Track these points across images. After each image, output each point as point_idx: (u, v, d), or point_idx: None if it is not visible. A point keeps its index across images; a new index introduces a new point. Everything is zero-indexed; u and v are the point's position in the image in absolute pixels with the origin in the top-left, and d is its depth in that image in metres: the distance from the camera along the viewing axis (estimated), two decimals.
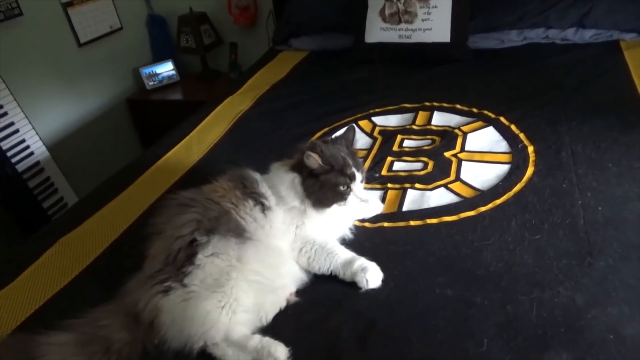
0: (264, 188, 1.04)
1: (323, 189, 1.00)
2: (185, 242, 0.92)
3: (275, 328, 0.89)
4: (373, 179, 1.30)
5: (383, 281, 0.95)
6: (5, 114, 2.04)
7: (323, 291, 0.97)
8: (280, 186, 1.03)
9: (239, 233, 0.96)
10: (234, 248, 0.93)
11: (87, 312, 0.89)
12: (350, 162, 1.01)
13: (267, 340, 0.85)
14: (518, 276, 0.92)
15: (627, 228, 1.00)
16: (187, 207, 0.98)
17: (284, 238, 1.02)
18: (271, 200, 1.03)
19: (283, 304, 0.93)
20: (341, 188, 1.00)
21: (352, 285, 0.96)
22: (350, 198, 1.02)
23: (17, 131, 2.09)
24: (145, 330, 0.86)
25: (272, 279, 0.94)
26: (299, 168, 1.02)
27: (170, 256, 0.91)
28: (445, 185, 1.23)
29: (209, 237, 0.93)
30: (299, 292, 0.96)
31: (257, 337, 0.86)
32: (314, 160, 0.99)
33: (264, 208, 1.01)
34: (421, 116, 1.59)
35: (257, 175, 1.07)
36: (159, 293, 0.88)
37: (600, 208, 1.06)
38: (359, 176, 1.02)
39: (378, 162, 1.37)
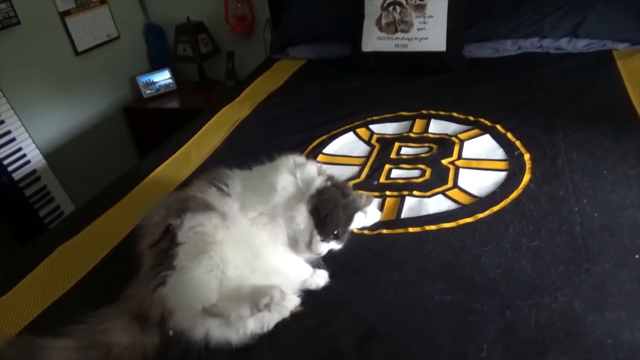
0: (231, 180, 1.06)
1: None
2: (161, 230, 0.95)
3: (275, 334, 0.89)
4: (371, 186, 1.31)
5: (383, 287, 0.96)
6: (2, 122, 2.05)
7: (323, 296, 0.97)
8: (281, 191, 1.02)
9: (210, 207, 0.98)
10: (211, 215, 0.96)
11: (88, 316, 0.89)
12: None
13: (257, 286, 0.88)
14: (516, 282, 0.93)
15: (623, 234, 1.01)
16: (159, 203, 1.01)
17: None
18: (234, 189, 1.04)
19: (287, 314, 0.92)
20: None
21: (352, 290, 0.97)
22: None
23: (13, 140, 2.09)
24: (158, 325, 0.87)
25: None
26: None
27: (154, 248, 0.94)
28: (443, 193, 1.24)
29: (180, 217, 0.95)
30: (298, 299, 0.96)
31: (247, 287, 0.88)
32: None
33: (224, 194, 1.04)
34: (418, 124, 1.61)
35: (230, 171, 1.10)
36: (159, 285, 0.89)
37: (596, 215, 1.07)
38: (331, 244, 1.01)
39: (376, 170, 1.38)
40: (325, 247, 0.99)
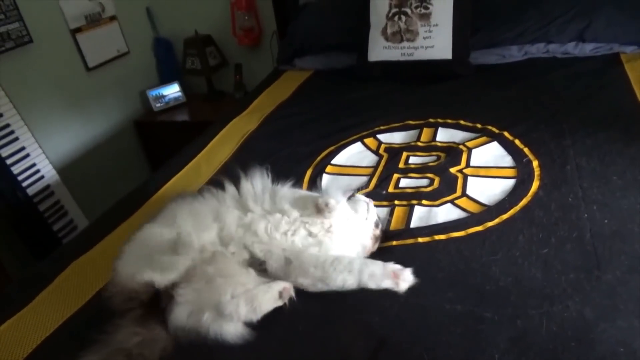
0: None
1: None
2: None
3: (285, 345, 0.90)
4: (380, 196, 1.32)
5: (394, 297, 0.96)
6: (17, 139, 2.09)
7: (333, 307, 0.97)
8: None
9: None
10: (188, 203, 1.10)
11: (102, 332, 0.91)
12: None
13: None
14: (527, 291, 0.93)
15: (634, 240, 1.01)
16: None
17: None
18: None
19: (277, 297, 0.93)
20: None
21: (362, 300, 0.97)
22: None
23: (27, 155, 2.13)
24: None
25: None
26: None
27: None
28: (452, 201, 1.25)
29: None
30: (308, 309, 0.97)
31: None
32: None
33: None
34: (426, 133, 1.62)
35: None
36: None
37: (606, 221, 1.07)
38: None
39: (385, 179, 1.39)
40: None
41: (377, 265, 0.98)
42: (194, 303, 0.91)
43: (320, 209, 1.03)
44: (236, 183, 1.16)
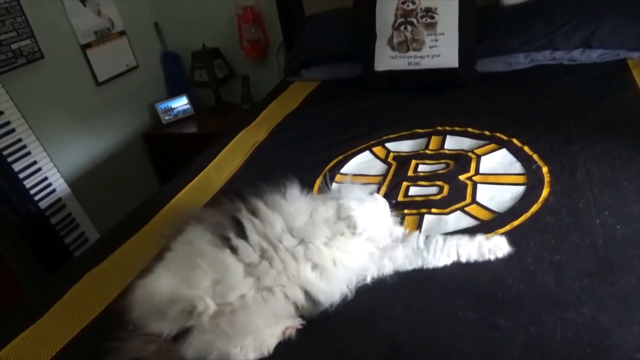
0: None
1: None
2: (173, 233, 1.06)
3: (299, 355, 0.90)
4: (389, 205, 1.31)
5: (406, 305, 0.96)
6: (29, 153, 2.12)
7: (346, 316, 0.97)
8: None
9: (217, 230, 1.03)
10: (205, 239, 1.00)
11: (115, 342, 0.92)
12: None
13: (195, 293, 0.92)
14: (540, 297, 0.92)
15: None
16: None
17: None
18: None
19: (280, 335, 0.93)
20: None
21: (375, 308, 0.97)
22: None
23: (39, 169, 2.15)
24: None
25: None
26: None
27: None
28: (462, 209, 1.25)
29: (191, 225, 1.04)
30: (321, 318, 0.97)
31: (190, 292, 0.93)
32: None
33: None
34: (434, 141, 1.62)
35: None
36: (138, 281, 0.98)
37: (618, 227, 1.06)
38: None
39: (394, 188, 1.39)
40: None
41: (473, 244, 1.04)
42: (206, 344, 0.90)
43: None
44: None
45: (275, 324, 0.93)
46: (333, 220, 1.06)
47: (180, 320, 0.89)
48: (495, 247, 1.03)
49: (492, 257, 1.03)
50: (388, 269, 1.05)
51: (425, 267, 1.04)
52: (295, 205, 1.08)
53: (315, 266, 1.00)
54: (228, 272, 0.95)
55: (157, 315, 0.91)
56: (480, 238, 1.06)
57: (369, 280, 1.03)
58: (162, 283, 0.95)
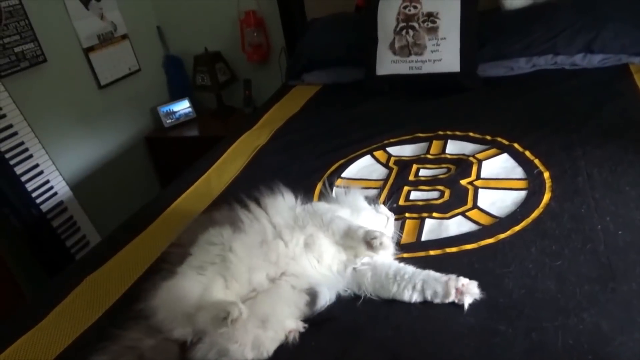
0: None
1: None
2: (187, 244, 1.03)
3: (297, 359, 0.90)
4: (390, 209, 1.31)
5: (406, 311, 0.96)
6: (31, 156, 2.12)
7: (345, 322, 0.97)
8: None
9: (234, 223, 1.04)
10: (227, 235, 1.01)
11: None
12: None
13: (228, 299, 0.89)
14: (541, 303, 0.92)
15: None
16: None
17: None
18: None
19: (282, 338, 0.93)
20: None
21: (374, 314, 0.97)
22: None
23: (41, 172, 2.16)
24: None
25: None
26: None
27: (176, 259, 1.01)
28: (463, 214, 1.24)
29: (213, 227, 1.03)
30: (320, 325, 0.97)
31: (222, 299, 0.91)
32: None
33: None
34: (435, 145, 1.62)
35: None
36: (156, 289, 0.95)
37: (620, 232, 1.06)
38: None
39: (395, 192, 1.39)
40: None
41: (440, 283, 0.96)
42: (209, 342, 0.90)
43: (372, 246, 1.00)
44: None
45: (275, 333, 0.93)
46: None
47: (211, 327, 0.86)
48: (464, 288, 0.94)
49: (459, 301, 0.94)
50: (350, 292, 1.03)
51: (392, 298, 0.99)
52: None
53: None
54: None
55: (184, 320, 0.89)
56: (450, 277, 0.97)
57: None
58: (189, 285, 0.93)
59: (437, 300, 0.95)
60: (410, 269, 1.01)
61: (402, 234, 1.20)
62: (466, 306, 0.93)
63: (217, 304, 0.88)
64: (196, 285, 0.93)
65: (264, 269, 1.01)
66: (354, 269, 1.04)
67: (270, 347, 0.91)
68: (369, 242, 1.00)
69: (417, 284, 0.97)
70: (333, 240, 1.06)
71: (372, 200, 1.20)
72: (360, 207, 1.15)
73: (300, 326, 0.95)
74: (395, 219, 1.26)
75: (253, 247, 1.02)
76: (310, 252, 1.04)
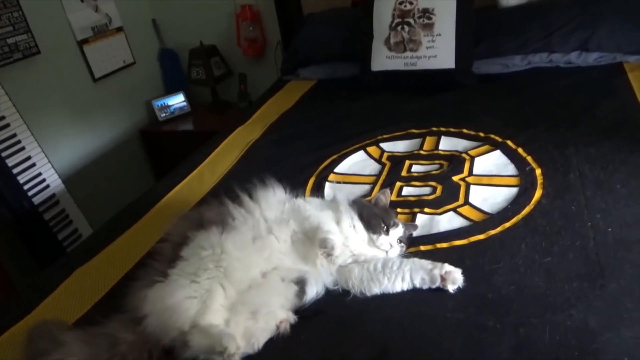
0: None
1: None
2: (176, 240, 1.02)
3: (287, 354, 0.90)
4: None
5: (396, 306, 0.96)
6: (23, 148, 2.11)
7: (335, 316, 0.97)
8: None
9: (224, 222, 1.03)
10: (218, 238, 1.00)
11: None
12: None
13: (226, 331, 0.87)
14: (530, 299, 0.92)
15: (638, 249, 1.00)
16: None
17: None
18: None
19: (273, 329, 0.93)
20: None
21: (364, 308, 0.97)
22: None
23: (33, 165, 2.14)
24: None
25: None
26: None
27: (164, 255, 1.00)
28: (454, 210, 1.25)
29: (198, 231, 1.01)
30: (310, 318, 0.97)
31: (220, 327, 0.89)
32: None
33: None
34: (428, 141, 1.62)
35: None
36: (144, 287, 0.94)
37: (610, 229, 1.06)
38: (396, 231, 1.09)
39: (387, 188, 1.39)
40: (385, 240, 1.07)
41: (425, 270, 0.99)
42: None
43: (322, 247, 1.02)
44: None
45: (266, 323, 0.93)
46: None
47: (204, 353, 0.85)
48: (448, 274, 0.97)
49: (444, 287, 0.96)
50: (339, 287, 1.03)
51: (382, 292, 0.99)
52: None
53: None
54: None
55: (177, 335, 0.88)
56: (435, 265, 0.99)
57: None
58: (183, 295, 0.91)
59: (425, 287, 0.98)
60: (396, 259, 1.03)
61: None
62: (451, 291, 0.96)
63: (214, 333, 0.86)
64: (191, 294, 0.91)
65: (257, 266, 1.01)
66: (339, 265, 1.04)
67: (261, 338, 0.91)
68: (321, 249, 1.02)
69: (405, 274, 0.99)
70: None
71: (378, 228, 1.10)
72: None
73: (290, 316, 0.95)
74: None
75: (246, 245, 1.02)
76: (296, 248, 1.05)
